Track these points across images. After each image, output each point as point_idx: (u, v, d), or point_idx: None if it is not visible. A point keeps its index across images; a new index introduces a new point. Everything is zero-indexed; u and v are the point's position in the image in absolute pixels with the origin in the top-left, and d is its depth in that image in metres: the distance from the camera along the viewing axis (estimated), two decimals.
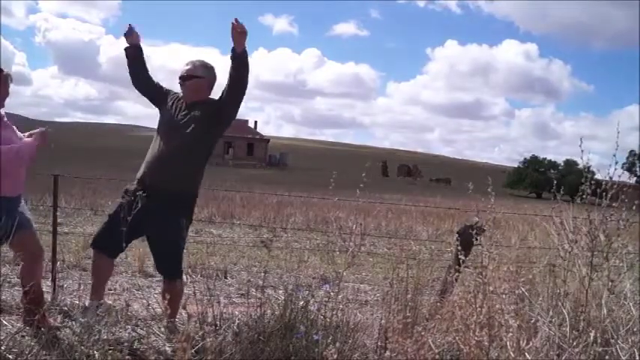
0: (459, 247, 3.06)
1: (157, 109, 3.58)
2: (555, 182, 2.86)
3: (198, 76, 3.42)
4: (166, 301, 2.62)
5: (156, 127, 3.53)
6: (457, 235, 3.63)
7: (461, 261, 2.93)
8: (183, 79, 3.42)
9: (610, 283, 2.45)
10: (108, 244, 3.33)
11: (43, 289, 4.18)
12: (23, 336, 3.01)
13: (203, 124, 3.33)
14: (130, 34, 3.55)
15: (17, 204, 3.21)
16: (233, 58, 3.26)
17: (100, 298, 3.43)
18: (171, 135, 3.35)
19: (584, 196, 2.57)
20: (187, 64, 3.46)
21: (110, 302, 3.58)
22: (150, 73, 3.63)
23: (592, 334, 2.33)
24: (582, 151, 2.53)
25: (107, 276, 3.61)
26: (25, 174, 3.28)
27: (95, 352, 2.74)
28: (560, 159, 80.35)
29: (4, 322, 3.28)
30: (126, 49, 3.58)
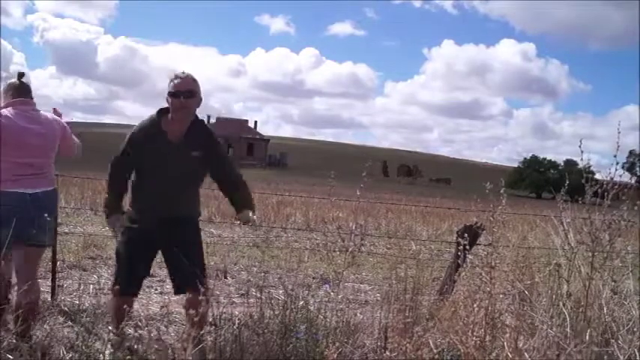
0: (465, 243, 3.06)
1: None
2: (566, 182, 2.85)
3: (197, 94, 3.07)
4: (195, 315, 2.15)
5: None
6: (459, 232, 3.64)
7: (465, 257, 2.93)
8: (185, 95, 3.00)
9: (613, 283, 2.45)
10: (133, 287, 3.13)
11: (44, 289, 4.19)
12: (24, 336, 3.01)
13: (203, 164, 3.14)
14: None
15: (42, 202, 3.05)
16: (236, 206, 3.28)
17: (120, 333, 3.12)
18: (174, 172, 3.06)
19: (584, 197, 2.57)
20: (183, 78, 3.03)
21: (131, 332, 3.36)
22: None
23: (592, 334, 2.33)
24: (582, 152, 2.53)
25: (125, 315, 3.13)
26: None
27: (95, 352, 2.75)
28: (559, 159, 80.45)
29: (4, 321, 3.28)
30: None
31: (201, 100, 3.10)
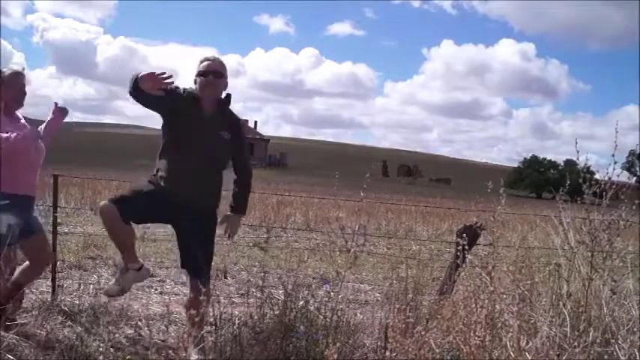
0: (464, 243, 3.06)
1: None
2: (567, 182, 2.85)
3: (224, 76, 3.22)
4: (196, 315, 2.18)
5: (162, 127, 3.17)
6: (459, 232, 3.64)
7: (464, 257, 2.93)
8: (214, 74, 3.12)
9: (613, 283, 2.45)
10: (127, 205, 2.95)
11: (44, 289, 4.19)
12: (25, 336, 3.01)
13: (228, 147, 3.22)
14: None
15: (29, 206, 3.20)
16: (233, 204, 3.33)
17: (136, 262, 3.11)
18: (204, 146, 3.09)
19: (583, 196, 2.57)
20: (212, 60, 3.17)
21: (150, 268, 3.27)
22: None
23: (592, 334, 2.33)
24: (578, 152, 2.54)
25: (133, 237, 3.16)
26: (37, 177, 3.27)
27: (95, 352, 2.75)
28: (559, 159, 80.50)
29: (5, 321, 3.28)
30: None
31: (227, 84, 3.24)
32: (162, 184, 3.09)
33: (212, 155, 3.12)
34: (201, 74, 3.13)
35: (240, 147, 3.35)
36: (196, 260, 2.98)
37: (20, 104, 3.23)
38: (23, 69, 3.26)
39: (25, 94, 3.23)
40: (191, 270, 3.10)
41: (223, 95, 3.23)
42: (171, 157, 3.12)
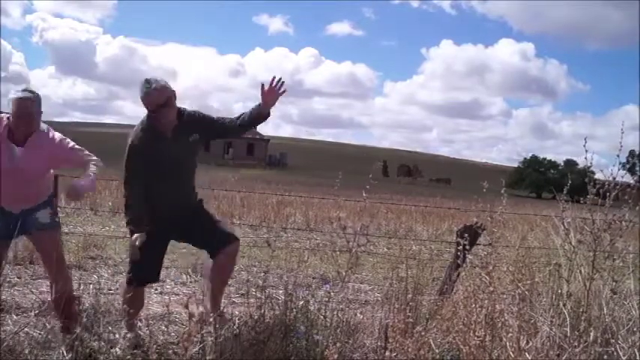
0: (465, 243, 3.06)
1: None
2: (569, 182, 2.85)
3: (166, 102, 3.08)
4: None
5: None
6: (459, 232, 3.64)
7: (464, 257, 2.93)
8: (163, 106, 3.05)
9: (614, 283, 2.45)
10: (152, 276, 3.37)
11: (44, 289, 4.19)
12: (27, 333, 3.01)
13: (201, 144, 3.34)
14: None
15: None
16: (258, 115, 3.26)
17: (136, 327, 3.33)
18: (180, 167, 3.26)
19: (586, 196, 2.56)
20: (148, 94, 3.02)
21: (141, 333, 3.36)
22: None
23: (592, 334, 2.33)
24: (587, 151, 2.53)
25: (142, 306, 3.51)
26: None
27: (96, 352, 2.74)
28: (559, 159, 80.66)
29: (5, 321, 3.28)
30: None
31: (174, 98, 3.11)
32: (153, 218, 3.17)
33: (187, 167, 3.30)
34: (154, 109, 3.06)
35: (210, 122, 3.28)
36: (215, 233, 3.27)
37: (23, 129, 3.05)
38: (29, 92, 3.04)
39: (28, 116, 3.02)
40: (217, 241, 3.26)
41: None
42: (154, 189, 3.17)
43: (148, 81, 3.02)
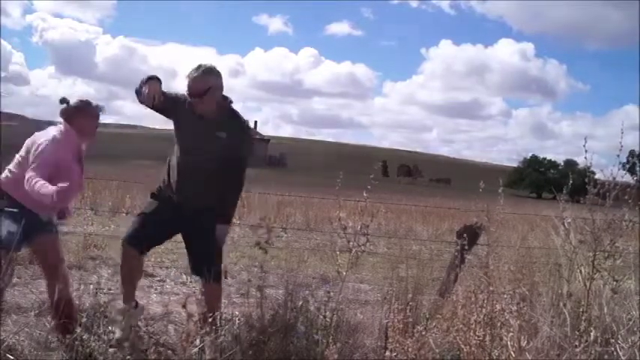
0: (464, 243, 3.06)
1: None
2: (570, 182, 2.85)
3: (211, 88, 3.06)
4: (204, 305, 2.42)
5: (163, 129, 3.36)
6: (459, 233, 3.64)
7: (463, 257, 2.93)
8: (202, 93, 3.03)
9: (614, 283, 2.45)
10: (142, 240, 3.18)
11: (43, 289, 4.18)
12: (27, 333, 3.01)
13: (238, 148, 3.21)
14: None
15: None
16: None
17: (133, 300, 3.30)
18: (200, 151, 3.14)
19: (587, 196, 2.56)
20: (192, 79, 3.04)
21: (143, 303, 3.35)
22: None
23: (593, 334, 2.33)
24: (587, 151, 2.53)
25: (139, 276, 3.40)
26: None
27: (95, 352, 2.74)
28: (559, 158, 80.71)
29: (4, 321, 3.28)
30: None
31: (219, 88, 3.10)
32: (165, 191, 3.20)
33: (212, 157, 3.11)
34: (194, 94, 3.05)
35: (232, 146, 3.15)
36: (207, 259, 3.10)
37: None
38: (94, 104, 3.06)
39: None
40: (203, 271, 3.08)
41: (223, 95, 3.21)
42: (174, 162, 3.22)
43: (198, 67, 3.06)
